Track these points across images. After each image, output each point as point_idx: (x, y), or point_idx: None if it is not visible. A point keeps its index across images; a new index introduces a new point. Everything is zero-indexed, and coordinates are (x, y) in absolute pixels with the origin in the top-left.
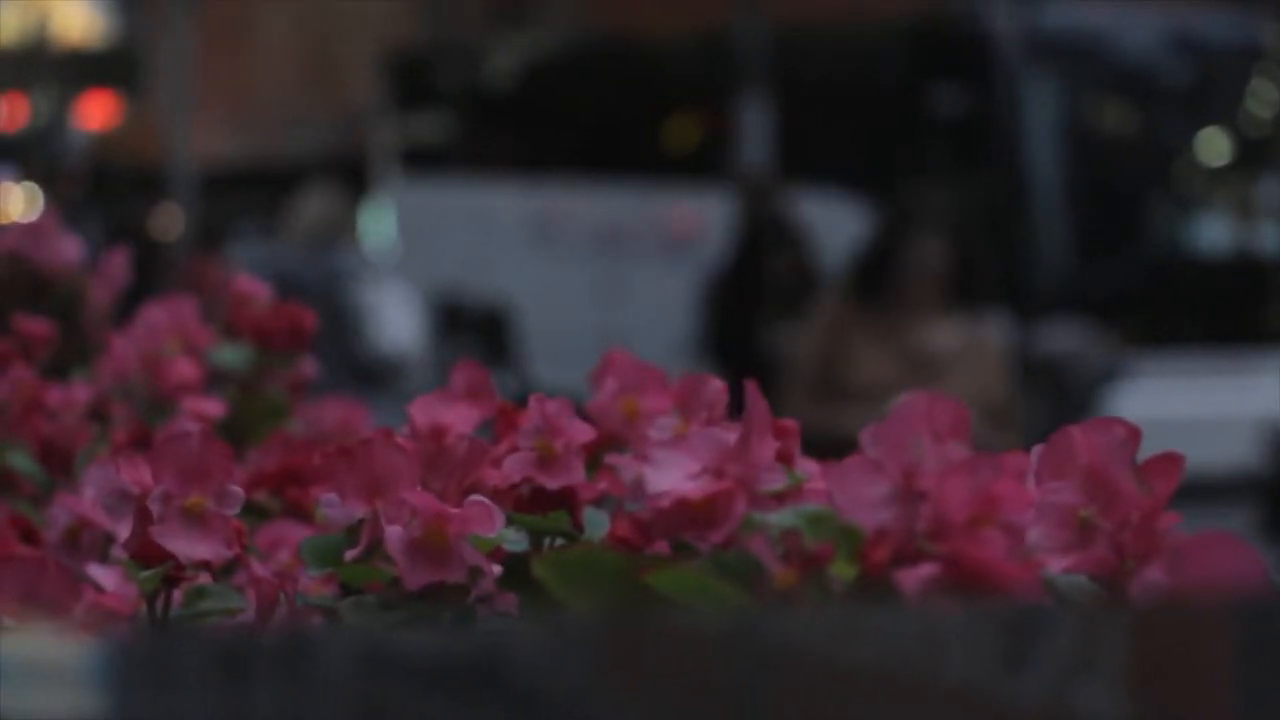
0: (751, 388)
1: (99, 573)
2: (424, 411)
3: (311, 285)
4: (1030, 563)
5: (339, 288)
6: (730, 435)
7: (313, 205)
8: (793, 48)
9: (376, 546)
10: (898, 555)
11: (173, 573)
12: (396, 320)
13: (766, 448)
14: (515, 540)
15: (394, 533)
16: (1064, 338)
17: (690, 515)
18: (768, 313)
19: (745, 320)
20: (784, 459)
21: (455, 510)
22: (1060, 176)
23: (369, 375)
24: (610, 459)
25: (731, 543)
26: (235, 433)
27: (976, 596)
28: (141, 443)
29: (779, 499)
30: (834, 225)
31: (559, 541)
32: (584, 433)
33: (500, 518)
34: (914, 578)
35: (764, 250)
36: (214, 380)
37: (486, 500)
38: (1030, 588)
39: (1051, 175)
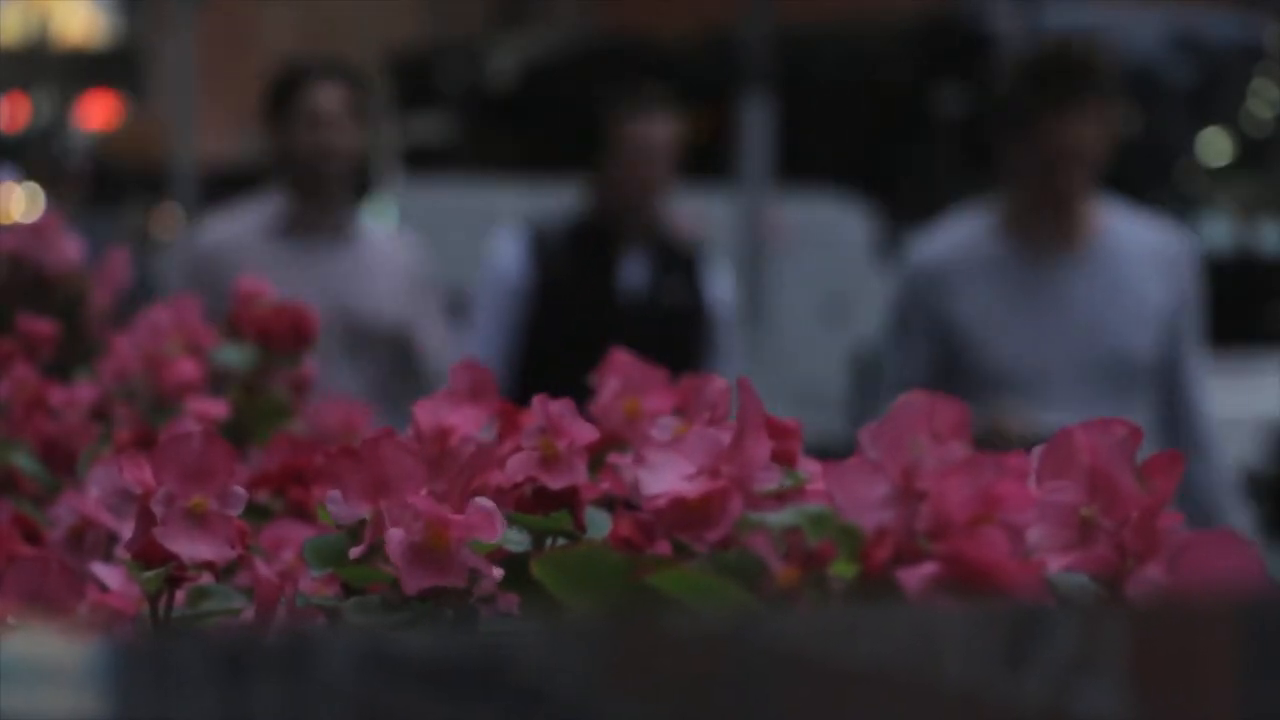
0: (744, 385)
1: (102, 572)
2: (428, 413)
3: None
4: (1031, 562)
5: None
6: (725, 435)
7: None
8: (795, 48)
9: (378, 547)
10: (898, 555)
11: (175, 573)
12: None
13: (762, 447)
14: (517, 540)
15: (394, 536)
16: None
17: (686, 515)
18: None
19: None
20: (783, 459)
21: (457, 516)
22: None
23: None
24: (612, 459)
25: (729, 542)
26: (238, 433)
27: (977, 596)
28: (144, 443)
29: (779, 499)
30: (836, 226)
31: (561, 541)
32: (586, 433)
33: (502, 523)
34: (915, 577)
35: None
36: (217, 380)
37: (490, 504)
38: (1031, 587)
39: None
